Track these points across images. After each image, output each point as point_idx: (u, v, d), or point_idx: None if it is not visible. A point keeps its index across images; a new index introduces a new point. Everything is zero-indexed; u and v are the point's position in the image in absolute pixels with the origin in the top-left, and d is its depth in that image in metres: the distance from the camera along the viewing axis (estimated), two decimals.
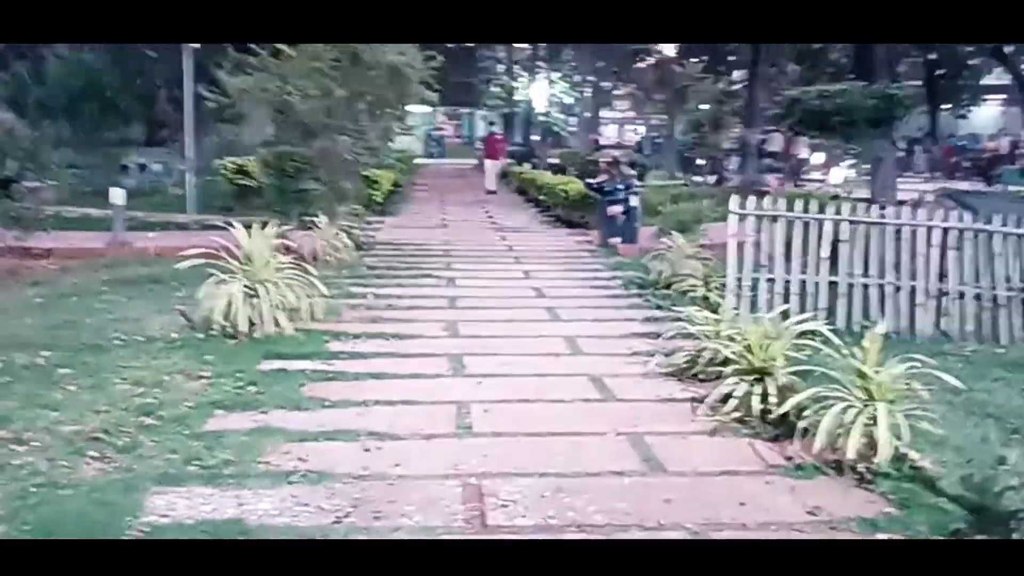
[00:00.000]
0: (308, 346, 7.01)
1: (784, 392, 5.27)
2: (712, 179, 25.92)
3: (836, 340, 4.91)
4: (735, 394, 5.40)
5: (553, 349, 7.22)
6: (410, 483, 4.41)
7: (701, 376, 6.30)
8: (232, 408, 5.50)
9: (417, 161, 32.88)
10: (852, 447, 4.34)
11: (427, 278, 10.50)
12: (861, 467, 4.47)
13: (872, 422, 4.40)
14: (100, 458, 4.61)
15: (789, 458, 4.84)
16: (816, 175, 26.11)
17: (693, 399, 5.89)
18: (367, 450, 4.86)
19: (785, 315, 6.15)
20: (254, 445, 4.84)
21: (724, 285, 8.83)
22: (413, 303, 8.95)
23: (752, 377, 5.44)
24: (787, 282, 7.48)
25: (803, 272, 7.49)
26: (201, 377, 6.13)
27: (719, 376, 6.10)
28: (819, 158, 27.91)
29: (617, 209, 13.22)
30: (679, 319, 8.09)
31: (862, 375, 4.57)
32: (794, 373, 5.41)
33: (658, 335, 7.63)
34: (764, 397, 5.29)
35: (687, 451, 4.96)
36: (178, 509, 4.04)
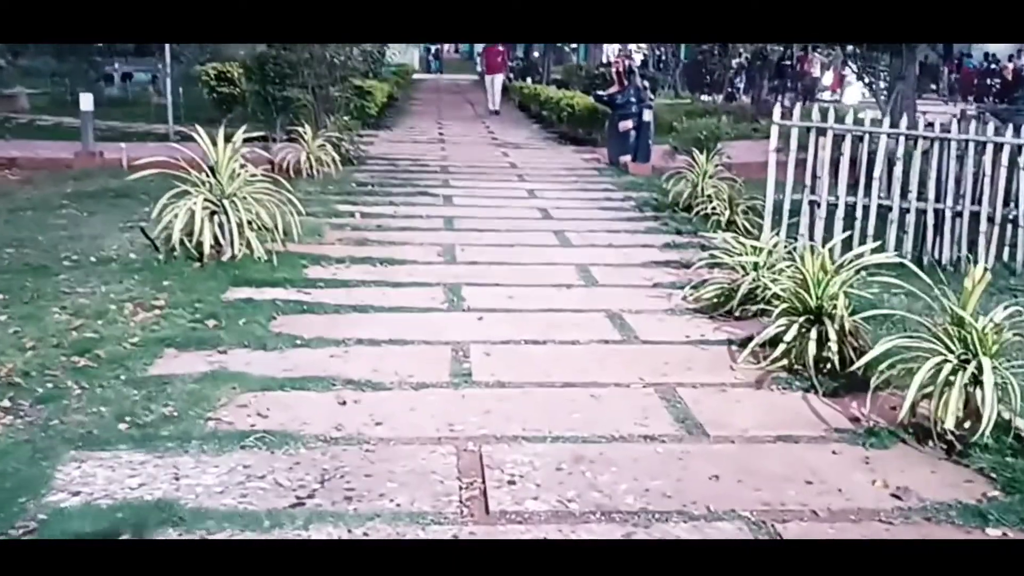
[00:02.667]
0: (282, 272, 6.09)
1: (846, 338, 4.39)
2: (720, 97, 24.66)
3: (924, 277, 3.99)
4: (784, 338, 4.51)
5: (563, 279, 6.31)
6: (393, 450, 3.55)
7: (736, 314, 5.41)
8: (185, 346, 4.61)
9: (415, 77, 31.56)
10: (952, 413, 3.47)
11: (422, 195, 9.52)
12: (951, 435, 3.60)
13: (972, 382, 3.52)
14: (11, 409, 3.74)
15: (856, 420, 3.98)
16: (826, 95, 24.98)
17: (730, 341, 5.02)
18: (343, 403, 3.99)
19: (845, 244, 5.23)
20: (205, 395, 3.96)
21: (751, 208, 7.95)
22: (405, 224, 8.01)
23: (804, 318, 4.54)
24: (832, 205, 6.52)
25: (851, 194, 6.52)
26: (154, 307, 5.22)
27: (758, 314, 5.24)
28: (830, 78, 26.72)
29: (629, 124, 12.15)
30: (704, 246, 7.23)
31: (959, 322, 3.67)
32: (855, 314, 4.52)
33: (680, 263, 6.76)
34: (821, 343, 4.41)
35: (730, 409, 4.10)
36: (95, 483, 3.17)
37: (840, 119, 6.64)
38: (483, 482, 3.28)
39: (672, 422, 3.91)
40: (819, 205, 6.46)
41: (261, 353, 4.57)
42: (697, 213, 8.54)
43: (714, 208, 8.24)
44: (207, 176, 6.30)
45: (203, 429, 3.64)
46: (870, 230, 6.52)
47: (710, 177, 8.93)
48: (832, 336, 4.35)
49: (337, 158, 10.40)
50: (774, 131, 6.40)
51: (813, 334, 4.42)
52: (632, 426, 3.84)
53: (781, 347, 4.51)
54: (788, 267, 4.97)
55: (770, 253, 5.52)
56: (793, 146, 6.29)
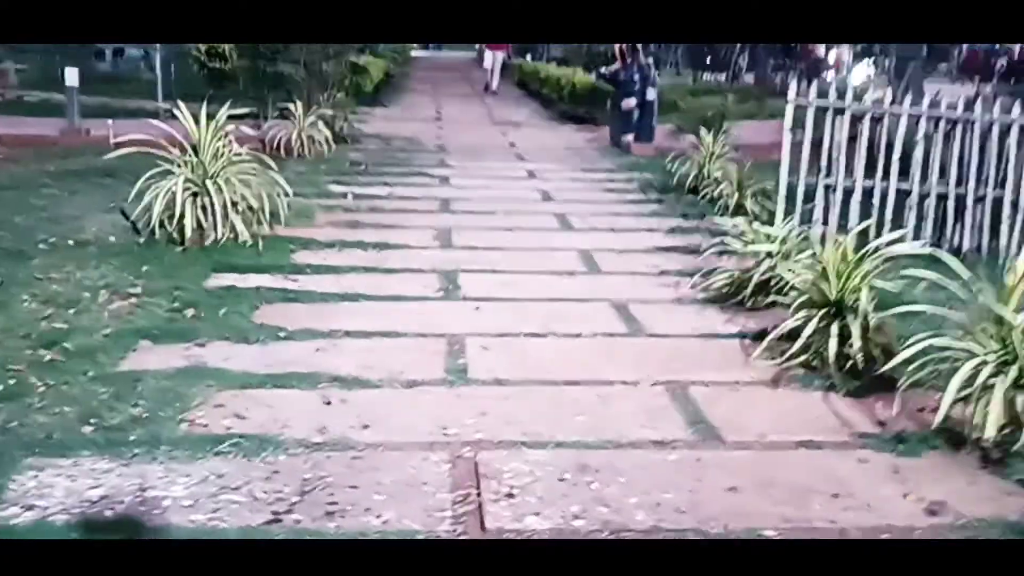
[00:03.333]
0: (268, 257, 5.78)
1: (870, 334, 4.09)
2: (723, 77, 24.25)
3: (962, 270, 3.68)
4: (802, 333, 4.20)
5: (566, 265, 6.00)
6: (381, 456, 3.25)
7: (748, 304, 5.11)
8: (161, 339, 4.30)
9: (413, 54, 31.08)
10: (994, 422, 3.17)
11: (418, 176, 9.19)
12: (989, 442, 3.30)
13: (1014, 386, 3.22)
14: None
15: (882, 423, 3.69)
16: (831, 75, 24.57)
17: (742, 335, 4.71)
18: (328, 403, 3.69)
19: (865, 233, 4.92)
20: (179, 394, 3.66)
21: (760, 192, 7.63)
22: (400, 206, 7.68)
23: (824, 311, 4.24)
24: (848, 190, 6.20)
25: (868, 178, 6.20)
26: (131, 295, 4.91)
27: (772, 305, 4.94)
28: (834, 58, 26.30)
29: (632, 103, 11.80)
30: (712, 231, 6.91)
31: (998, 320, 3.37)
32: (881, 309, 4.22)
33: (687, 249, 6.45)
34: (842, 339, 4.11)
35: (747, 410, 3.80)
36: (52, 495, 2.87)
37: (858, 98, 6.31)
38: (479, 495, 2.98)
39: (684, 425, 3.61)
40: (835, 189, 6.13)
41: (242, 346, 4.26)
42: (704, 196, 8.23)
43: (722, 191, 7.92)
44: (190, 155, 5.97)
45: (175, 432, 3.34)
46: (888, 216, 6.20)
47: (717, 159, 8.61)
48: (855, 332, 4.05)
49: (330, 136, 10.07)
50: (789, 110, 6.06)
51: (834, 329, 4.12)
52: (641, 430, 3.54)
53: (799, 342, 4.21)
54: (806, 257, 4.65)
55: (784, 241, 5.20)
56: (809, 126, 5.96)
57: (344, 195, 7.92)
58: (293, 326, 4.54)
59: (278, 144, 9.55)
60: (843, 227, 6.16)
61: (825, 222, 6.12)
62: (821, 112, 6.10)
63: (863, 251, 4.33)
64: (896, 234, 4.55)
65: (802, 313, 4.29)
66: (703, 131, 9.00)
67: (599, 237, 6.86)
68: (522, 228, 7.05)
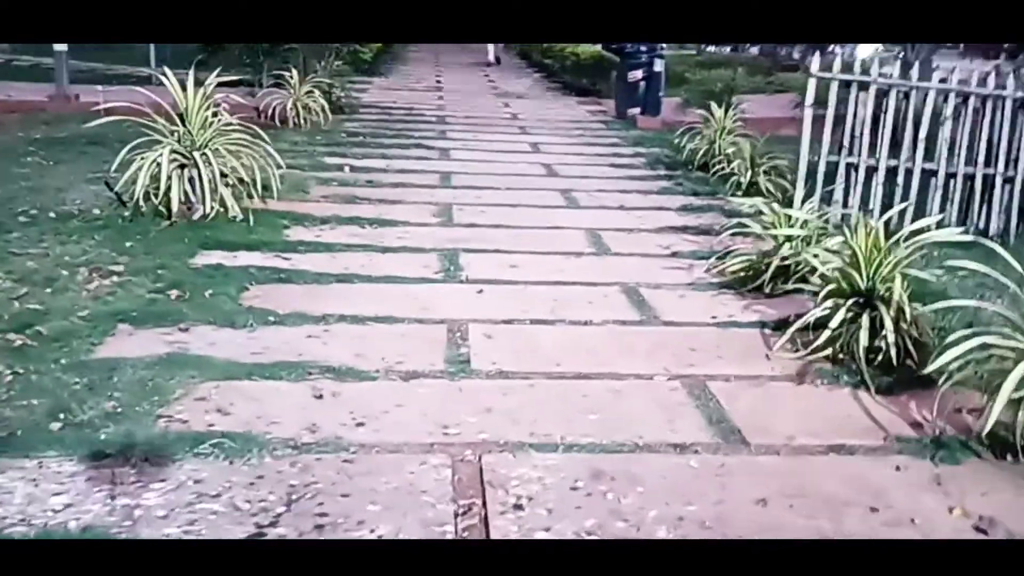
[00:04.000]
0: (259, 233, 5.47)
1: (904, 326, 3.81)
2: (727, 49, 23.78)
3: (1011, 259, 3.39)
4: (830, 323, 3.92)
5: (572, 246, 5.70)
6: (376, 459, 2.97)
7: (767, 290, 4.82)
8: (142, 322, 4.01)
9: None
10: None
11: (417, 148, 8.86)
12: None
13: None
14: None
15: (917, 425, 3.41)
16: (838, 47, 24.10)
17: (762, 323, 4.43)
18: (319, 396, 3.40)
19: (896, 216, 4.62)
20: (157, 386, 3.37)
21: (773, 169, 7.32)
22: (398, 180, 7.36)
23: (853, 300, 3.95)
24: (872, 169, 5.88)
25: (893, 157, 5.88)
26: (112, 273, 4.62)
27: (791, 291, 4.66)
28: None
29: (638, 75, 11.46)
30: (725, 210, 6.63)
31: None
32: (916, 300, 3.94)
33: (699, 229, 6.16)
34: (873, 331, 3.83)
35: (771, 408, 3.52)
36: (11, 503, 2.59)
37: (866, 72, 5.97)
38: (483, 506, 2.71)
39: (705, 426, 3.33)
40: (856, 168, 5.81)
41: (228, 332, 3.97)
42: (714, 173, 7.93)
43: (733, 168, 7.61)
44: (178, 125, 5.64)
45: (151, 430, 3.05)
46: (911, 197, 5.90)
47: (728, 134, 8.30)
48: (888, 324, 3.76)
49: (327, 106, 9.71)
50: (811, 84, 5.72)
51: (864, 321, 3.83)
52: (659, 431, 3.26)
53: (825, 334, 3.93)
54: (832, 241, 4.36)
55: (805, 223, 4.90)
56: (832, 101, 5.63)
57: (341, 168, 7.59)
58: (284, 309, 4.25)
59: (272, 113, 9.21)
60: (864, 209, 5.87)
61: (846, 204, 5.81)
62: (843, 87, 5.77)
63: (896, 237, 4.04)
64: (932, 219, 4.23)
65: (829, 302, 4.01)
66: (714, 106, 8.67)
67: (606, 215, 6.56)
68: (526, 205, 6.74)
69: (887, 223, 4.33)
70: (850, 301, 3.95)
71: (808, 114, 5.63)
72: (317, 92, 9.64)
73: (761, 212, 5.18)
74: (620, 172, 8.28)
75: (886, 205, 5.87)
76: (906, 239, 4.04)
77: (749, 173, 7.40)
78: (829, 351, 3.94)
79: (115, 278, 4.56)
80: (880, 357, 3.82)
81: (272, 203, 6.02)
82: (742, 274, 5.06)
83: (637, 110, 11.49)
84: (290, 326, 4.08)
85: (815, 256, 4.27)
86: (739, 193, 7.31)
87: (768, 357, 4.03)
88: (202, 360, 3.62)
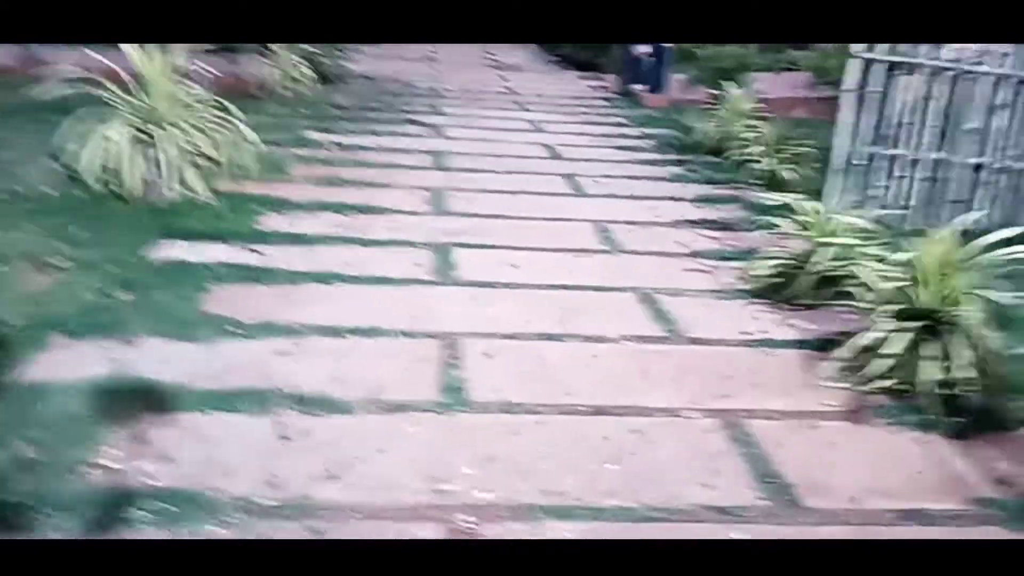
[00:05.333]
0: (229, 220, 4.86)
1: (982, 358, 3.24)
2: None
3: None
4: (888, 349, 3.35)
5: (580, 241, 5.10)
6: (352, 529, 2.38)
7: (805, 301, 4.25)
8: (80, 333, 3.40)
9: None
10: None
11: (409, 124, 8.20)
12: None
13: None
14: None
15: (1002, 482, 2.85)
16: None
17: (802, 343, 3.85)
18: (285, 437, 2.81)
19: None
20: (88, 422, 2.77)
21: (797, 156, 6.73)
22: (388, 159, 6.72)
23: (917, 324, 3.38)
24: (914, 162, 5.29)
25: (938, 149, 5.28)
26: (56, 268, 4.01)
27: (830, 302, 4.10)
28: None
29: (644, 48, 10.79)
30: (744, 202, 6.06)
31: None
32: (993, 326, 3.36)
33: (718, 224, 5.58)
34: (945, 363, 3.25)
35: (826, 458, 2.95)
36: None
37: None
38: None
39: (751, 481, 2.76)
40: (897, 161, 5.22)
41: (183, 346, 3.36)
42: (729, 158, 7.32)
43: (751, 154, 7.00)
44: (137, 95, 5.00)
45: (67, 488, 2.45)
46: (951, 194, 5.31)
47: (744, 116, 7.68)
48: (961, 355, 3.19)
49: (313, 75, 9.03)
50: (852, 65, 5.10)
51: (933, 349, 3.26)
52: (695, 489, 2.69)
53: (884, 362, 3.35)
54: (873, 246, 3.79)
55: (849, 229, 4.32)
56: (874, 86, 5.01)
57: (325, 144, 6.95)
58: (250, 317, 3.64)
59: (253, 83, 8.52)
60: (903, 207, 5.30)
61: (886, 197, 5.22)
62: (887, 69, 5.15)
63: (972, 251, 3.45)
64: (1016, 230, 3.63)
65: (886, 324, 3.43)
66: (730, 86, 8.04)
67: (616, 206, 5.95)
68: (527, 192, 6.12)
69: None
70: (913, 324, 3.38)
71: (847, 99, 5.01)
72: (304, 60, 8.96)
73: (793, 209, 4.57)
74: (627, 155, 7.65)
75: (926, 202, 5.31)
76: (984, 251, 3.45)
77: (771, 161, 6.80)
78: (888, 382, 3.37)
79: (59, 274, 3.95)
80: (950, 392, 3.25)
81: (247, 185, 5.39)
82: (773, 280, 4.47)
83: (642, 87, 10.85)
84: (256, 339, 3.48)
85: (871, 269, 3.68)
86: (758, 181, 6.75)
87: (814, 386, 3.46)
88: (146, 386, 3.02)
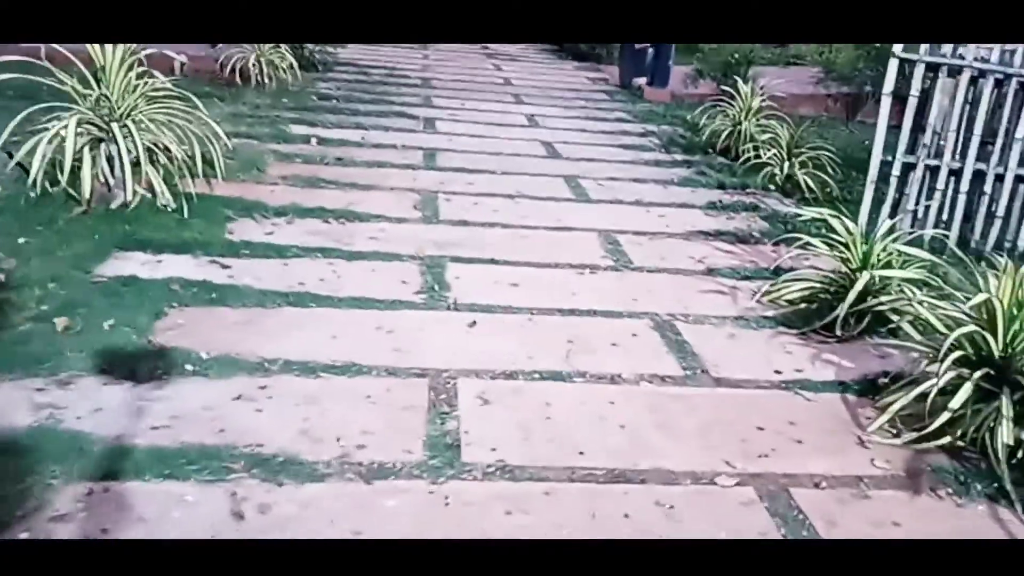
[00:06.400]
0: (194, 228, 4.34)
1: None
2: None
3: None
4: (951, 403, 2.88)
5: (585, 255, 4.61)
6: None
7: (840, 331, 3.78)
8: (4, 369, 2.89)
9: None
10: None
11: (398, 117, 7.67)
12: None
13: None
14: None
15: None
16: None
17: (842, 386, 3.38)
18: (239, 515, 2.31)
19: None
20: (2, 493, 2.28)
21: (813, 159, 6.25)
22: (374, 157, 6.20)
23: (983, 372, 2.91)
24: (956, 172, 4.81)
25: (981, 159, 4.79)
26: None
27: (869, 329, 3.64)
28: None
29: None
30: (761, 210, 5.60)
31: None
32: None
33: (734, 236, 5.11)
34: (1017, 419, 2.79)
35: (884, 536, 2.48)
36: None
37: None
38: None
39: None
40: (938, 172, 4.74)
41: (124, 389, 2.86)
42: (737, 159, 6.85)
43: (762, 155, 6.52)
44: (96, 87, 4.47)
45: None
46: (998, 209, 4.84)
47: (755, 114, 7.20)
48: None
49: (295, 63, 8.48)
50: (893, 65, 4.60)
51: (1006, 406, 2.79)
52: None
53: (943, 416, 2.88)
54: (929, 275, 3.32)
55: (899, 256, 3.86)
56: (915, 89, 4.52)
57: (307, 139, 6.43)
58: (209, 350, 3.15)
59: (233, 69, 7.98)
60: (945, 224, 4.84)
61: (925, 214, 4.75)
62: (929, 70, 4.66)
63: None
64: None
65: (947, 371, 2.95)
66: (740, 81, 7.56)
67: (622, 213, 5.45)
68: (526, 196, 5.62)
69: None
70: (978, 372, 2.91)
71: (885, 103, 4.52)
72: (286, 47, 8.42)
73: (830, 226, 4.10)
74: (631, 155, 7.15)
75: (968, 217, 4.84)
76: None
77: (787, 164, 6.32)
78: (948, 439, 2.90)
79: None
80: (1022, 454, 2.79)
81: (218, 186, 4.87)
82: (803, 305, 4.01)
83: (644, 80, 10.34)
84: (215, 379, 2.98)
85: (925, 304, 3.20)
86: (771, 184, 6.28)
87: (862, 441, 2.99)
88: (75, 443, 2.52)
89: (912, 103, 4.54)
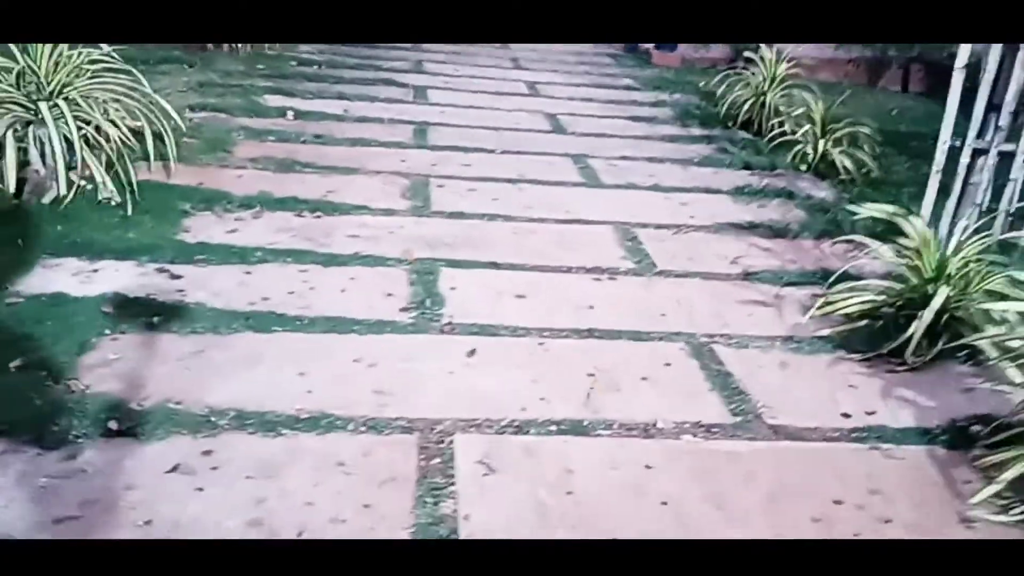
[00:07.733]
0: (142, 226, 3.68)
1: None
2: None
3: None
4: None
5: (601, 256, 3.95)
6: None
7: (911, 357, 3.15)
8: None
9: None
10: None
11: (385, 85, 6.95)
12: None
13: None
14: None
15: None
16: None
17: (927, 435, 2.76)
18: None
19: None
20: None
21: (850, 137, 5.58)
22: (358, 133, 5.51)
23: None
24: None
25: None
26: None
27: (946, 353, 3.02)
28: None
29: None
30: (796, 196, 4.95)
31: None
32: None
33: (771, 228, 4.49)
34: None
35: None
36: None
37: None
38: None
39: None
40: (1011, 158, 4.07)
41: (22, 462, 2.22)
42: (760, 133, 6.20)
43: (794, 132, 5.84)
44: (20, 59, 3.77)
45: None
46: None
47: (780, 84, 6.52)
48: None
49: None
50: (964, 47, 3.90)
51: None
52: None
53: None
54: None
55: (968, 261, 3.22)
56: (991, 65, 3.84)
57: (283, 112, 5.72)
58: (143, 399, 2.51)
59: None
60: (1012, 217, 4.19)
61: (995, 203, 4.09)
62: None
63: None
64: None
65: None
66: (763, 46, 6.85)
67: (639, 200, 4.79)
68: (529, 180, 4.94)
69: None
70: None
71: (956, 78, 3.84)
72: None
73: (900, 228, 3.45)
74: (643, 129, 6.45)
75: None
76: None
77: (817, 141, 5.65)
78: None
79: None
80: None
81: (177, 172, 4.20)
82: (863, 322, 3.37)
83: (650, 43, 9.62)
84: (145, 443, 2.34)
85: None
86: (803, 164, 5.62)
87: (965, 519, 2.37)
88: None
89: (988, 78, 3.86)
